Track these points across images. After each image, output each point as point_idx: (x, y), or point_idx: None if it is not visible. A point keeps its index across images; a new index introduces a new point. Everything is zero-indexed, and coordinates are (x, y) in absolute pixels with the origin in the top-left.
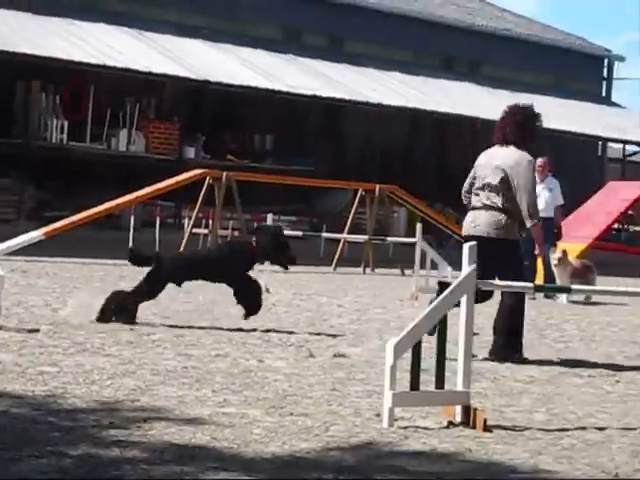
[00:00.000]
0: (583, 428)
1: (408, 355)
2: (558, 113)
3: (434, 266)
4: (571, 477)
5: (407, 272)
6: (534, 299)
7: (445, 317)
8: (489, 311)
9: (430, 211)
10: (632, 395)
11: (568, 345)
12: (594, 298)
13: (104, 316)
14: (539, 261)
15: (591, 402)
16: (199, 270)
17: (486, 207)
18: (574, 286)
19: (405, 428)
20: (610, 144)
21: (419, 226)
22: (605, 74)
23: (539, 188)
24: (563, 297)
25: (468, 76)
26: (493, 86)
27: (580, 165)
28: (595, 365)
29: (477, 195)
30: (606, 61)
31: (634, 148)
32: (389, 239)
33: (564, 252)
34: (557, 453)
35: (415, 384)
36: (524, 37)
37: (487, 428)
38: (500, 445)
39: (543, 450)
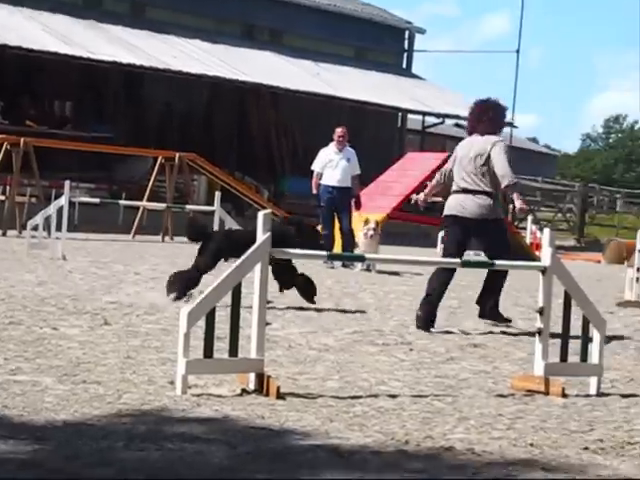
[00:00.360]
0: (375, 395)
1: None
2: (359, 84)
3: None
4: (362, 444)
5: None
6: (332, 268)
7: (239, 285)
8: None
9: (230, 179)
10: (425, 363)
11: (364, 314)
12: (393, 268)
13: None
14: (337, 229)
15: (384, 370)
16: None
17: (472, 192)
18: (368, 255)
19: (198, 396)
20: (410, 115)
21: (217, 194)
22: (406, 46)
23: (337, 158)
24: (358, 266)
25: (269, 45)
26: (294, 56)
27: (380, 136)
28: (390, 333)
29: (462, 180)
30: (407, 33)
31: (433, 120)
32: (188, 207)
33: (377, 223)
34: (349, 420)
35: (209, 352)
36: (325, 7)
37: (280, 395)
38: (293, 412)
39: (335, 417)
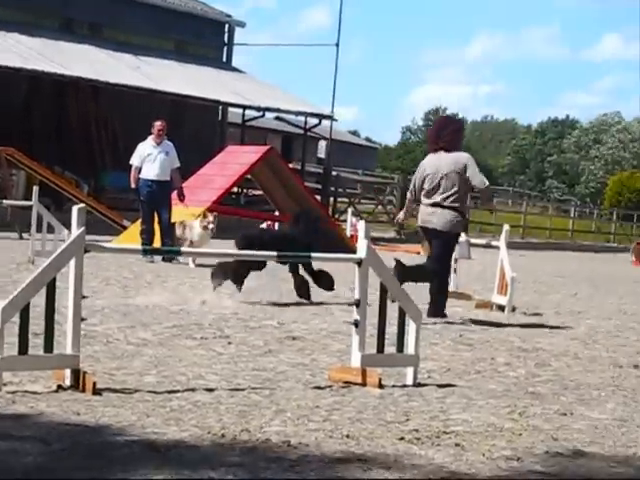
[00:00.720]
0: (193, 390)
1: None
2: (179, 77)
3: (51, 230)
4: (178, 438)
5: (25, 235)
6: (152, 262)
7: (54, 280)
8: (106, 275)
9: (49, 174)
10: (243, 356)
11: (183, 307)
12: (214, 261)
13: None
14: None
15: (202, 364)
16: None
17: (442, 206)
18: (184, 249)
19: (13, 393)
20: (231, 109)
21: (35, 189)
22: (226, 39)
23: (155, 152)
24: (190, 261)
25: (89, 39)
26: (114, 49)
27: (201, 129)
28: (208, 327)
29: (433, 195)
30: (227, 26)
31: (253, 113)
32: (5, 202)
33: (215, 217)
34: (166, 415)
35: (23, 348)
36: (145, 0)
37: (96, 391)
38: (109, 408)
39: (152, 412)
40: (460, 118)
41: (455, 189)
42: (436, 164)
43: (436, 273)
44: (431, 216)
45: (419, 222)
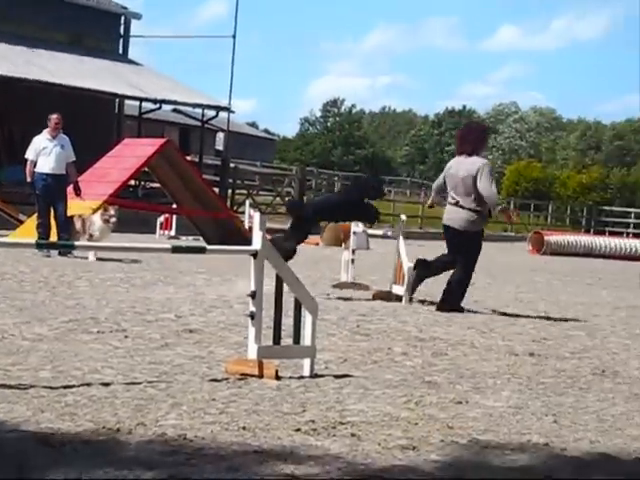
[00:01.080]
0: (88, 384)
1: None
2: (74, 70)
3: None
4: (73, 433)
5: None
6: (49, 256)
7: None
8: (2, 270)
9: None
10: (140, 350)
11: (79, 302)
12: (112, 255)
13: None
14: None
15: (98, 358)
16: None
17: (462, 207)
18: (78, 243)
19: None
20: (127, 101)
21: None
22: (122, 31)
23: (51, 145)
24: (91, 254)
25: None
26: (8, 42)
27: (97, 122)
28: (105, 321)
29: (455, 196)
30: (123, 18)
31: (150, 105)
32: None
33: (116, 210)
34: (60, 410)
35: None
36: None
37: None
38: (4, 404)
39: (46, 408)
40: (484, 124)
41: (471, 192)
42: (457, 167)
43: (467, 272)
44: (452, 215)
45: (443, 220)
